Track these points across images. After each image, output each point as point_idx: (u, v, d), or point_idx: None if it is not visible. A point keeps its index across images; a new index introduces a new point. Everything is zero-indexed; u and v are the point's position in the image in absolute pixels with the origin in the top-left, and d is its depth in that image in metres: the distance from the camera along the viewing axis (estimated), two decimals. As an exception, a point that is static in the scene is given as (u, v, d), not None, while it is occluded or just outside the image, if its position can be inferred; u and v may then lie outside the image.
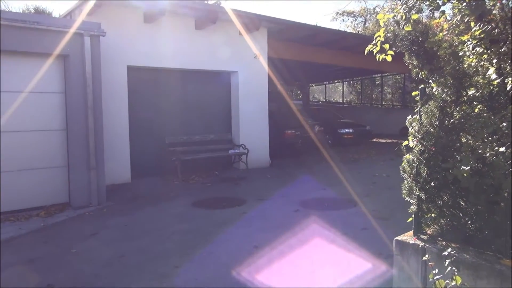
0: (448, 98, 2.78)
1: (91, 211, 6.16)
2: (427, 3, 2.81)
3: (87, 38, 6.25)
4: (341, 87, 26.64)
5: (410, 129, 2.99)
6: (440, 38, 2.92)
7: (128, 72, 8.09)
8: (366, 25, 29.29)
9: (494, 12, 2.59)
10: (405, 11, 2.94)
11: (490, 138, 2.54)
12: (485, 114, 2.62)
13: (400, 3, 2.97)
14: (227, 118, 10.12)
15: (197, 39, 8.98)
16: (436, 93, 2.87)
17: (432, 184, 2.78)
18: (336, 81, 26.05)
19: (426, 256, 2.70)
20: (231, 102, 10.09)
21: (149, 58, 8.31)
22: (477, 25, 2.63)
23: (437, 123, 2.77)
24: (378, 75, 22.45)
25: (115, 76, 7.82)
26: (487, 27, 2.58)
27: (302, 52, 12.37)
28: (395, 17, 3.02)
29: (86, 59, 6.25)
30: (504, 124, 2.49)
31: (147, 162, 8.58)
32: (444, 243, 2.78)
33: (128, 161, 8.13)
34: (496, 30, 2.57)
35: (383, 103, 23.49)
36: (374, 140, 16.88)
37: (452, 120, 2.74)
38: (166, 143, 8.84)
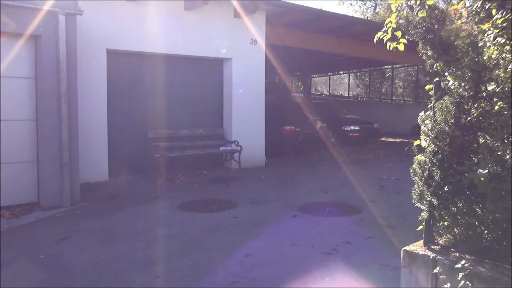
0: (466, 93, 2.79)
1: (63, 212, 6.13)
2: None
3: (61, 17, 6.20)
4: (347, 79, 26.69)
5: (422, 127, 3.00)
6: (458, 27, 2.93)
7: (108, 57, 8.06)
8: (376, 10, 29.36)
9: (518, -2, 2.61)
10: (419, -5, 2.95)
11: (511, 139, 2.56)
12: (505, 112, 2.64)
13: (415, -14, 2.97)
14: (218, 111, 10.12)
15: (186, 22, 8.95)
16: (452, 87, 2.88)
17: (446, 188, 2.79)
18: (341, 72, 26.09)
19: (437, 268, 2.72)
20: (224, 93, 10.08)
21: (131, 41, 8.28)
22: (499, 12, 2.64)
23: (452, 121, 2.79)
24: (389, 66, 22.54)
25: (93, 60, 7.78)
26: (510, 16, 2.59)
27: (304, 39, 12.36)
28: (409, 2, 3.02)
29: (60, 40, 6.20)
30: (527, 123, 2.52)
31: (127, 159, 8.56)
32: (457, 254, 2.80)
33: (105, 157, 8.10)
34: (520, 19, 2.58)
35: (394, 98, 23.60)
36: (383, 139, 16.97)
37: (469, 118, 2.76)
38: (149, 138, 8.82)
